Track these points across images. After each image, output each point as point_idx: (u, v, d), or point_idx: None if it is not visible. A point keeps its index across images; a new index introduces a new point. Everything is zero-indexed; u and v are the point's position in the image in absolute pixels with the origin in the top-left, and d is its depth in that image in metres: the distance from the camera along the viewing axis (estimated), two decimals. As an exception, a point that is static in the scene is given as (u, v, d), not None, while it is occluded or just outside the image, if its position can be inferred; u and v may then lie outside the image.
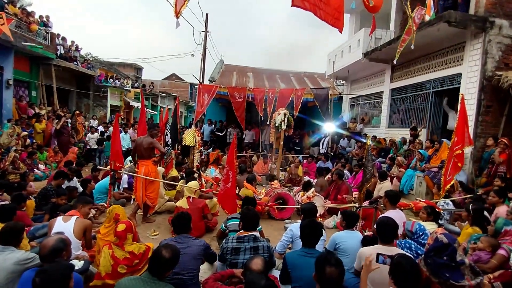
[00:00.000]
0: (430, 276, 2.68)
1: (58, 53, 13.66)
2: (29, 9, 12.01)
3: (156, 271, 2.28)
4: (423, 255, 2.81)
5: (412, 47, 6.92)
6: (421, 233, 3.14)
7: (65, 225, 3.18)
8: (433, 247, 2.67)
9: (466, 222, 4.15)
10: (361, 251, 2.87)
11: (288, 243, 3.58)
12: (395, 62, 6.85)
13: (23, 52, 11.38)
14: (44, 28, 12.45)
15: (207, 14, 15.64)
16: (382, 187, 6.29)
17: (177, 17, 3.70)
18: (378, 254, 2.51)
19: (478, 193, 5.67)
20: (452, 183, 5.53)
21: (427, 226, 3.75)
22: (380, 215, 4.11)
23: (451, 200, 5.58)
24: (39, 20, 12.56)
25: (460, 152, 5.34)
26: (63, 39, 14.70)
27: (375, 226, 3.31)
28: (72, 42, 15.75)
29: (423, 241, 3.14)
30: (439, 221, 5.01)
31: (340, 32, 4.35)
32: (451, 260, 2.60)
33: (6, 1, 10.45)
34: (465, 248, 3.58)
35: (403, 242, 3.28)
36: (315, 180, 7.62)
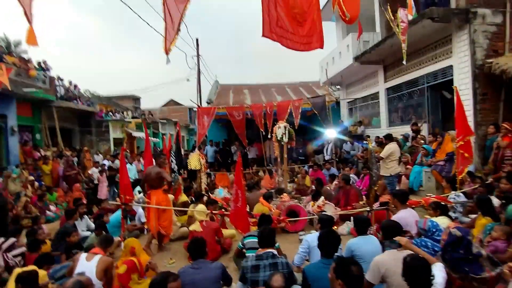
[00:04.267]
0: (450, 272, 2.69)
1: (58, 94, 14.00)
2: (26, 56, 12.44)
3: None
4: (440, 252, 2.83)
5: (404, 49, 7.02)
6: (434, 230, 3.16)
7: (87, 265, 3.19)
8: (448, 243, 2.69)
9: (479, 213, 4.14)
10: (376, 261, 2.81)
11: (305, 254, 3.59)
12: (404, 62, 7.02)
13: (25, 98, 11.68)
14: (42, 72, 12.83)
15: (197, 39, 16.06)
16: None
17: (167, 54, 3.85)
18: None
19: (487, 182, 5.65)
20: (463, 174, 5.57)
21: (440, 221, 3.76)
22: (392, 216, 4.13)
23: (462, 192, 5.57)
24: (37, 66, 12.95)
25: (463, 143, 5.38)
26: (60, 79, 15.09)
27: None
28: (70, 82, 16.15)
29: (438, 238, 3.15)
30: (452, 214, 5.01)
31: (322, 48, 4.52)
32: (468, 252, 2.62)
33: (3, 52, 10.84)
34: (481, 239, 3.57)
35: (419, 241, 3.29)
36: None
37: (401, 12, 6.47)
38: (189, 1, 3.60)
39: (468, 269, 2.59)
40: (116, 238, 5.59)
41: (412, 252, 2.57)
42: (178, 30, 3.69)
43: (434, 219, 3.79)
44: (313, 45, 4.46)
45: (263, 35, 4.22)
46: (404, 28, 6.46)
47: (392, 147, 6.84)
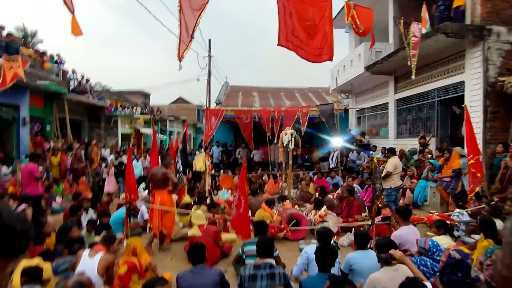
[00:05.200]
0: (447, 294, 2.69)
1: (70, 87, 14.25)
2: (41, 48, 12.70)
3: None
4: (438, 274, 2.83)
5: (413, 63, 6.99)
6: (434, 250, 3.15)
7: (89, 261, 3.28)
8: (446, 264, 2.69)
9: (481, 234, 4.10)
10: (373, 278, 2.82)
11: (304, 266, 3.61)
12: (413, 77, 7.00)
13: (38, 90, 11.92)
14: (56, 65, 13.07)
15: (209, 40, 16.18)
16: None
17: (180, 61, 3.92)
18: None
19: (492, 202, 5.60)
20: (473, 193, 5.53)
21: (441, 240, 3.75)
22: (393, 232, 4.13)
23: (466, 211, 5.52)
24: (52, 58, 13.21)
25: (473, 162, 5.34)
26: (73, 71, 15.37)
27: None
28: (82, 76, 16.42)
29: (438, 258, 3.14)
30: (455, 232, 4.97)
31: (331, 60, 4.56)
32: (466, 276, 2.62)
33: (20, 44, 11.09)
34: (481, 262, 3.54)
35: (418, 260, 3.28)
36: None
37: (414, 26, 6.45)
38: (205, 9, 3.67)
39: (466, 293, 2.59)
40: (119, 235, 5.69)
41: (409, 274, 2.58)
42: (192, 37, 3.76)
43: (436, 238, 3.78)
44: (323, 57, 4.49)
45: (279, 44, 4.28)
46: (416, 43, 6.43)
47: (394, 161, 6.82)
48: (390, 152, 7.19)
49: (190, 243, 4.67)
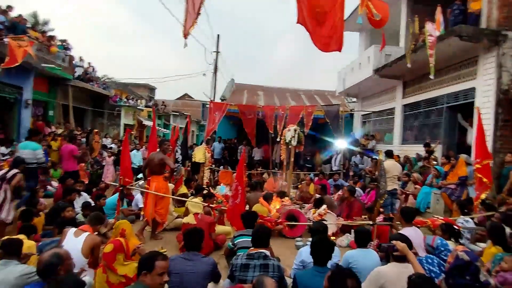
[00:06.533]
0: (452, 298, 2.50)
1: (76, 74, 14.19)
2: (51, 34, 12.64)
3: None
4: (443, 275, 2.63)
5: (432, 64, 6.77)
6: (443, 249, 2.95)
7: (75, 240, 3.13)
8: (454, 266, 2.50)
9: (489, 241, 3.89)
10: (378, 271, 2.64)
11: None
12: (431, 77, 6.76)
13: (42, 74, 11.85)
14: (63, 50, 13.01)
15: (218, 35, 16.10)
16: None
17: (186, 37, 3.78)
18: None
19: (500, 211, 5.37)
20: (479, 201, 5.31)
21: (446, 245, 3.54)
22: (387, 236, 3.92)
23: (472, 218, 5.30)
24: (60, 43, 13.16)
25: (480, 167, 5.13)
26: (81, 59, 15.33)
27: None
28: (89, 64, 16.38)
29: (445, 258, 2.94)
30: (460, 240, 4.75)
31: (339, 51, 4.36)
32: (475, 280, 2.43)
33: (29, 25, 11.03)
34: (489, 269, 3.34)
35: (424, 258, 3.09)
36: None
37: (429, 26, 6.26)
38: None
39: (473, 298, 2.40)
40: (111, 220, 5.53)
41: (418, 272, 2.38)
42: (198, 13, 3.61)
43: (442, 240, 3.57)
44: (331, 47, 4.32)
45: (298, 22, 4.15)
46: (433, 42, 6.24)
47: (389, 163, 6.49)
48: (387, 155, 6.95)
49: (184, 229, 4.49)
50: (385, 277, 2.44)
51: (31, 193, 6.58)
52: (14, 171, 4.86)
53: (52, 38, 12.49)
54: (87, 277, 3.15)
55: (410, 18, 9.29)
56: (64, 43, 13.65)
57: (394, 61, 9.56)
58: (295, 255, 4.70)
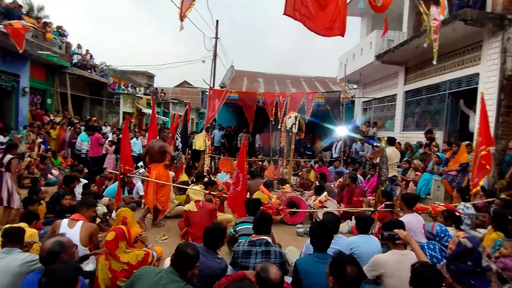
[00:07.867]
0: (454, 283, 2.50)
1: (73, 61, 14.00)
2: (46, 20, 12.38)
3: (179, 267, 2.26)
4: (444, 261, 2.63)
5: (428, 45, 6.66)
6: (443, 235, 2.95)
7: (70, 232, 3.07)
8: (456, 252, 2.48)
9: (490, 226, 3.90)
10: (378, 258, 2.65)
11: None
12: (434, 62, 6.63)
13: (39, 61, 11.68)
14: (59, 37, 12.79)
15: (217, 21, 15.82)
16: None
17: (182, 20, 3.68)
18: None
19: (500, 197, 5.38)
20: (478, 187, 5.30)
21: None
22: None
23: (472, 204, 5.31)
24: (55, 30, 12.91)
25: (485, 153, 5.10)
26: (79, 46, 15.09)
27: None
28: (87, 51, 16.14)
29: (446, 244, 2.94)
30: (460, 227, 4.77)
31: (342, 36, 4.22)
32: (477, 265, 2.42)
33: (23, 12, 10.79)
34: (489, 254, 3.35)
35: (426, 243, 3.09)
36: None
37: (433, 10, 6.11)
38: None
39: (475, 282, 2.41)
40: (108, 197, 5.51)
41: (421, 260, 2.37)
42: (195, -6, 3.51)
43: (442, 227, 3.58)
44: (334, 31, 4.20)
45: (285, 13, 3.98)
46: (437, 26, 6.10)
47: (389, 151, 6.47)
48: (389, 142, 6.91)
49: (186, 217, 4.50)
50: (384, 267, 2.44)
51: (32, 182, 6.59)
52: (9, 156, 4.82)
53: (47, 24, 12.26)
54: (90, 265, 3.17)
55: (414, 3, 9.08)
56: (60, 30, 13.40)
57: (397, 46, 9.39)
58: (296, 241, 4.75)
